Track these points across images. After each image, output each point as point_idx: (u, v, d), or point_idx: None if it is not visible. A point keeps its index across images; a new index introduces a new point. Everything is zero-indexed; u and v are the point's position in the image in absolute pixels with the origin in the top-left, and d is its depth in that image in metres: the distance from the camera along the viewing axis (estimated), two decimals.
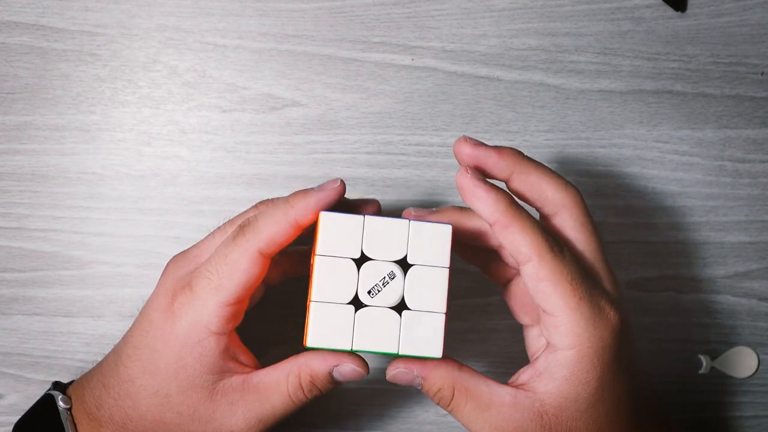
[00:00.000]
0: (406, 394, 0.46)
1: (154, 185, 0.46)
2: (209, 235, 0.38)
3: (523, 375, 0.34)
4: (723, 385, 0.48)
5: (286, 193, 0.46)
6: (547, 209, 0.35)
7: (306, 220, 0.34)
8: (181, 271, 0.36)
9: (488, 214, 0.33)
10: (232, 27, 0.46)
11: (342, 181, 0.35)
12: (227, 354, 0.35)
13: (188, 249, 0.38)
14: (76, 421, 0.37)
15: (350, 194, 0.46)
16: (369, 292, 0.33)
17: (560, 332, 0.32)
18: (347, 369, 0.35)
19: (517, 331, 0.40)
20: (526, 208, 0.34)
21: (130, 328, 0.38)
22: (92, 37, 0.46)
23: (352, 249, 0.33)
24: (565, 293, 0.32)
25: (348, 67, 0.46)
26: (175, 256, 0.38)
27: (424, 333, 0.33)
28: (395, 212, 0.46)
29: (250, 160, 0.46)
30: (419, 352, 0.33)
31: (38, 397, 0.39)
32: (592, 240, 0.35)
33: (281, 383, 0.35)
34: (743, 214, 0.47)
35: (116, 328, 0.45)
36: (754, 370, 0.47)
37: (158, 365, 0.35)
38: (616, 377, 0.33)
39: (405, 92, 0.46)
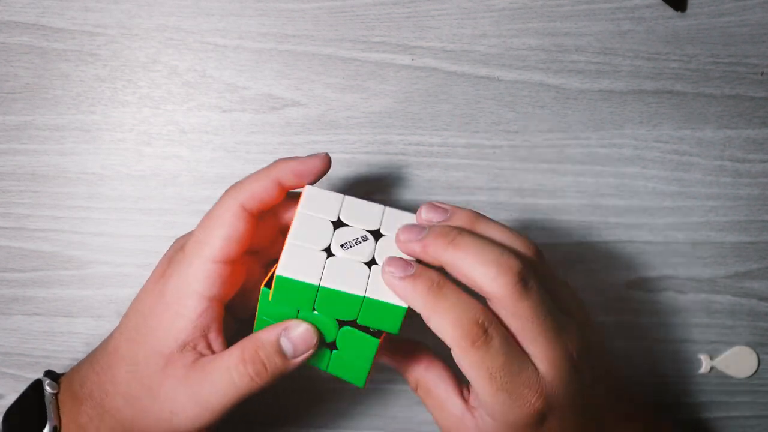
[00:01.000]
0: (407, 394, 0.46)
1: (154, 185, 0.46)
2: None
3: (473, 395, 0.35)
4: (723, 385, 0.48)
5: None
6: (479, 291, 0.33)
7: (287, 181, 0.35)
8: (180, 242, 0.38)
9: (413, 305, 0.32)
10: (232, 27, 0.46)
11: (327, 155, 0.36)
12: (202, 322, 0.34)
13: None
14: (60, 405, 0.37)
15: (350, 194, 0.46)
16: (342, 246, 0.33)
17: (481, 404, 0.33)
18: (296, 333, 0.33)
19: None
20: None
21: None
22: (92, 37, 0.46)
23: (331, 214, 0.35)
24: (484, 385, 0.31)
25: (348, 67, 0.46)
26: None
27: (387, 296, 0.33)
28: None
29: (250, 160, 0.46)
30: (384, 298, 0.32)
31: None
32: (527, 318, 0.32)
33: (224, 360, 0.34)
34: (743, 214, 0.47)
35: None
36: (754, 370, 0.47)
37: (140, 330, 0.35)
38: None
39: (405, 92, 0.46)
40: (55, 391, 0.38)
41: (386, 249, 0.34)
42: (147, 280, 0.37)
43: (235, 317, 0.39)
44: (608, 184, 0.47)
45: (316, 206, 0.35)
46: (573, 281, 0.47)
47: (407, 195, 0.46)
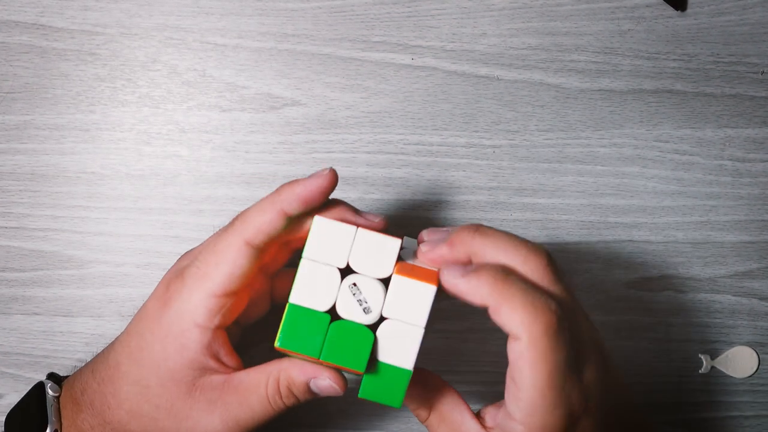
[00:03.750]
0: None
1: (153, 185, 0.46)
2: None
3: (489, 416, 0.34)
4: (723, 385, 0.48)
5: None
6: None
7: (292, 209, 0.34)
8: (182, 264, 0.36)
9: (477, 301, 0.31)
10: (231, 26, 0.46)
11: (332, 170, 0.34)
12: (210, 350, 0.35)
13: (197, 246, 0.38)
14: (61, 409, 0.37)
15: (350, 194, 0.46)
16: (347, 306, 0.33)
17: (518, 406, 0.31)
18: (324, 384, 0.34)
19: None
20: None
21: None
22: (92, 36, 0.46)
23: (339, 258, 0.33)
24: (540, 380, 0.30)
25: (348, 67, 0.46)
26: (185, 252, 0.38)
27: (394, 359, 0.32)
28: (394, 211, 0.46)
29: (249, 160, 0.46)
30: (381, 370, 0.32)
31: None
32: (564, 296, 0.32)
33: (261, 386, 0.35)
34: (743, 214, 0.47)
35: (116, 328, 0.45)
36: (754, 370, 0.47)
37: (143, 353, 0.35)
38: None
39: (405, 91, 0.46)
40: (57, 395, 0.38)
41: (395, 305, 0.32)
42: (149, 298, 0.36)
43: (238, 324, 0.39)
44: (608, 183, 0.47)
45: (323, 248, 0.33)
46: (573, 281, 0.47)
47: (407, 195, 0.46)
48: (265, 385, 0.35)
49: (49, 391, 0.38)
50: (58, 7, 0.46)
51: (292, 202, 0.34)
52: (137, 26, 0.46)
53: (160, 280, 0.37)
